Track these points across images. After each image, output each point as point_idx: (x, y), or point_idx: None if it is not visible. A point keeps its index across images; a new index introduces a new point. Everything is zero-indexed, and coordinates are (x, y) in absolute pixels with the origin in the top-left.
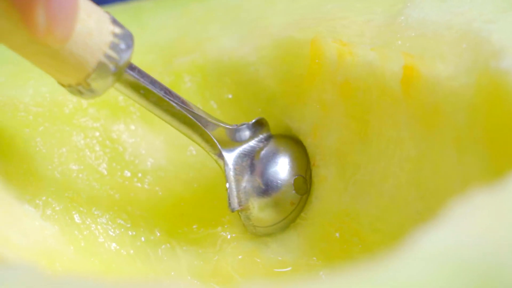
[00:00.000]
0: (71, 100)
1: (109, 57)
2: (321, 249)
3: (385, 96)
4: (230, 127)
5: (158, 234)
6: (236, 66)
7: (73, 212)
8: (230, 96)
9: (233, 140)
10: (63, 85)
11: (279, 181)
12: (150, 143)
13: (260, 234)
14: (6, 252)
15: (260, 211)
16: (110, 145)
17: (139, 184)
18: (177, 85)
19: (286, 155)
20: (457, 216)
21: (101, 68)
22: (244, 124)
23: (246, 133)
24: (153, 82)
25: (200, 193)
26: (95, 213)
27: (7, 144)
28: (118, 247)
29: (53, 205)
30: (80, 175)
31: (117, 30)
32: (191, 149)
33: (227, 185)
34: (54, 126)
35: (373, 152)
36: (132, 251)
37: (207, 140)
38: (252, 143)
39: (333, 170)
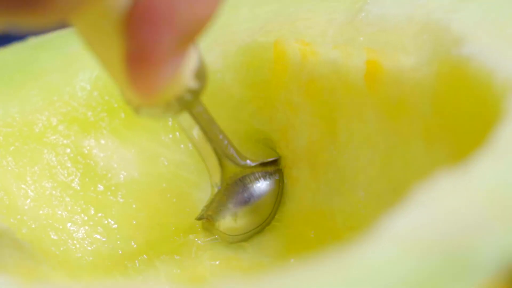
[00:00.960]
0: (41, 119)
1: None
2: (297, 250)
3: (351, 93)
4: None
5: (135, 246)
6: None
7: (48, 229)
8: None
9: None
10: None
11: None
12: (122, 156)
13: (235, 241)
14: None
15: (237, 221)
16: (81, 160)
17: (112, 198)
18: None
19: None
20: (423, 200)
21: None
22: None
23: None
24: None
25: (173, 202)
26: (71, 228)
27: None
28: (96, 261)
29: (28, 223)
30: (54, 192)
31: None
32: (163, 159)
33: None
34: (25, 146)
35: (342, 149)
36: (109, 263)
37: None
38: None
39: (305, 170)
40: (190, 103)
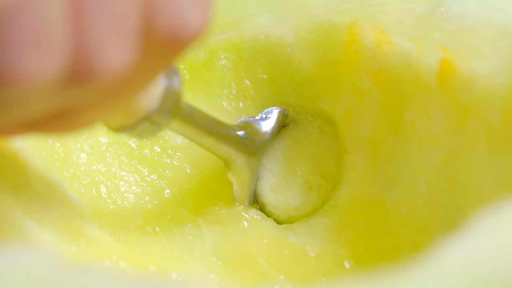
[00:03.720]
0: None
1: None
2: (347, 238)
3: (420, 88)
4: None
5: (184, 211)
6: (272, 46)
7: (101, 186)
8: (265, 76)
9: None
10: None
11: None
12: None
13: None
14: (30, 227)
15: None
16: None
17: (168, 160)
18: (212, 61)
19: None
20: (484, 229)
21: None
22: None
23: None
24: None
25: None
26: (122, 188)
27: None
28: (144, 223)
29: (81, 178)
30: (110, 149)
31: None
32: None
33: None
34: None
35: (405, 143)
36: (157, 228)
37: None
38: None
39: (364, 158)
40: (173, 109)
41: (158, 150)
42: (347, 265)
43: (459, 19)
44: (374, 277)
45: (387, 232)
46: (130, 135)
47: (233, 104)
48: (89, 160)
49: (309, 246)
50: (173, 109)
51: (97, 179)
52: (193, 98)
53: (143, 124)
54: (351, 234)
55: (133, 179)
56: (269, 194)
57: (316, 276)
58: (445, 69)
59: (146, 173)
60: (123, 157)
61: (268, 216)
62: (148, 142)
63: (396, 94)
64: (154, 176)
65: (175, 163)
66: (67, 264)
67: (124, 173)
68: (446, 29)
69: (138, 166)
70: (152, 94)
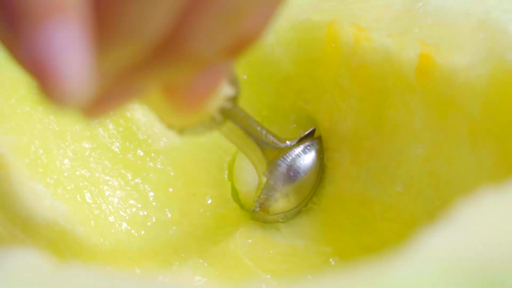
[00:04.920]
0: None
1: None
2: (332, 235)
3: (400, 84)
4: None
5: (169, 215)
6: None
7: (85, 191)
8: (245, 77)
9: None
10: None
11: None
12: None
13: (270, 221)
14: (15, 231)
15: (290, 201)
16: (123, 123)
17: (151, 164)
18: None
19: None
20: (465, 217)
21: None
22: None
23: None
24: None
25: (212, 173)
26: (107, 193)
27: (21, 121)
28: (129, 228)
29: (64, 184)
30: (93, 154)
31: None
32: None
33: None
34: None
35: (387, 139)
36: (143, 232)
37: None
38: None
39: (346, 155)
40: (230, 110)
41: (142, 154)
42: (332, 262)
43: (438, 13)
44: (357, 269)
45: (372, 228)
46: (181, 133)
47: None
48: (72, 165)
49: (294, 245)
50: (230, 112)
51: (81, 184)
52: None
53: (203, 124)
54: (336, 231)
55: (117, 183)
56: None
57: (302, 274)
58: (424, 63)
59: (130, 177)
60: (107, 162)
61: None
62: (131, 146)
63: (377, 90)
64: (138, 180)
65: (159, 166)
66: (53, 266)
67: (108, 177)
68: (425, 24)
69: (122, 171)
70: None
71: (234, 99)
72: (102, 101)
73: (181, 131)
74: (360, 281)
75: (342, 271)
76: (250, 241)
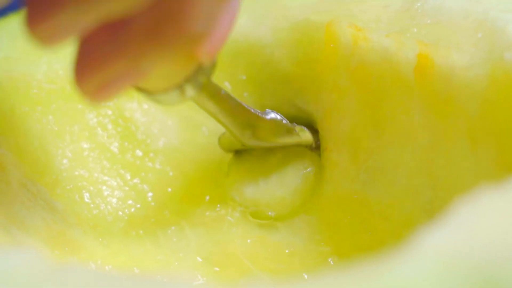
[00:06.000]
0: None
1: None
2: (330, 235)
3: (399, 84)
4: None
5: (168, 214)
6: (251, 47)
7: (83, 191)
8: (244, 77)
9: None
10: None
11: None
12: (163, 122)
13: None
14: (13, 231)
15: None
16: (122, 123)
17: (150, 164)
18: None
19: None
20: (464, 215)
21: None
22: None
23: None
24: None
25: (210, 173)
26: (105, 193)
27: (19, 121)
28: (127, 227)
29: (63, 184)
30: (92, 154)
31: None
32: (204, 130)
33: None
34: (66, 104)
35: (385, 139)
36: (141, 232)
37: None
38: None
39: (345, 155)
40: (203, 83)
41: (140, 154)
42: (331, 262)
43: (437, 13)
44: (355, 269)
45: (370, 228)
46: (153, 101)
47: None
48: (71, 165)
49: (292, 245)
50: (203, 84)
51: (79, 184)
52: None
53: (173, 91)
54: (335, 231)
55: (115, 183)
56: (253, 194)
57: (301, 274)
58: (422, 63)
59: (129, 177)
60: (105, 162)
61: (253, 217)
62: (130, 146)
63: (375, 90)
64: (136, 180)
65: (157, 166)
66: (52, 264)
67: (106, 177)
68: (423, 24)
69: (121, 171)
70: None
71: (207, 72)
72: (106, 84)
73: (150, 96)
74: (358, 280)
75: (340, 271)
76: (248, 241)
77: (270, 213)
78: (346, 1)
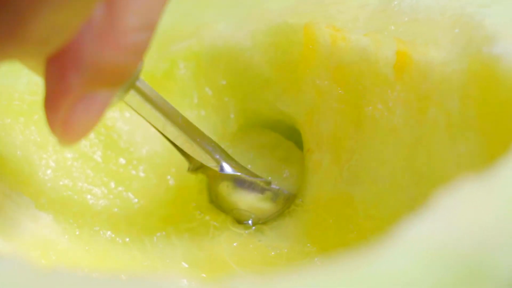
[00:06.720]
0: None
1: None
2: (316, 235)
3: (378, 82)
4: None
5: (154, 221)
6: (231, 52)
7: (68, 201)
8: (224, 82)
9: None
10: None
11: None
12: (145, 130)
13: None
14: None
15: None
16: (105, 132)
17: (134, 172)
18: (172, 72)
19: None
20: (444, 205)
21: None
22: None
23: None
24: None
25: (194, 180)
26: (90, 202)
27: (2, 132)
28: (113, 235)
29: (48, 194)
30: (75, 163)
31: None
32: None
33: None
34: None
35: (367, 137)
36: (127, 239)
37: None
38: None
39: (327, 155)
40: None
41: (124, 162)
42: (318, 262)
43: (414, 11)
44: (338, 263)
45: (355, 227)
46: None
47: (195, 113)
48: (55, 175)
49: (279, 247)
50: (129, 86)
51: (64, 194)
52: None
53: None
54: (320, 231)
55: (100, 192)
56: (235, 198)
57: (288, 274)
58: (401, 60)
59: (113, 186)
60: (89, 171)
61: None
62: (113, 155)
63: (355, 89)
64: (121, 188)
65: (141, 174)
66: (38, 271)
67: (91, 186)
68: (400, 22)
69: (105, 179)
70: None
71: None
72: (72, 125)
73: None
74: (340, 274)
75: (323, 266)
76: (235, 244)
77: (252, 215)
78: (324, 3)
